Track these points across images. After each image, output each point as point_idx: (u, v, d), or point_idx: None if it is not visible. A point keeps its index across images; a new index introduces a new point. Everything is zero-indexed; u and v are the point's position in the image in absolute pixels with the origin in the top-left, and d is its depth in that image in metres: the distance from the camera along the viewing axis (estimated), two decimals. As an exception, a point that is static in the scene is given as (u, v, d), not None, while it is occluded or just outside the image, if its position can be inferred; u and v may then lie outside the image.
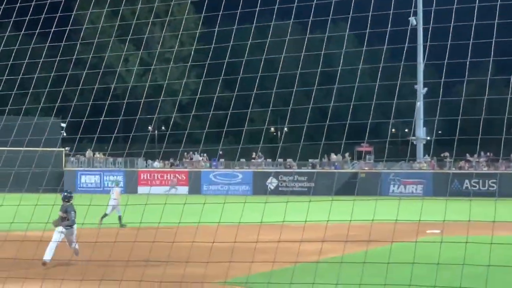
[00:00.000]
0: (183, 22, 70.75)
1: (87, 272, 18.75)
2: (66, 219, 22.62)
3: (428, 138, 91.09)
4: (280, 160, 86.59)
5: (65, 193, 23.95)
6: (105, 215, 37.20)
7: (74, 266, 21.98)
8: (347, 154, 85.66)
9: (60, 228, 22.65)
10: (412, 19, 74.77)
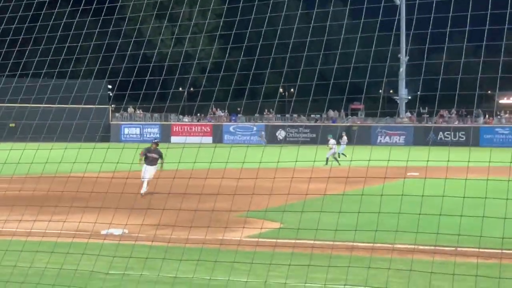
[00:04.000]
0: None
1: (136, 204, 18.94)
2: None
3: (410, 97, 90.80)
4: (288, 115, 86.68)
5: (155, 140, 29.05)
6: (339, 154, 43.24)
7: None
8: (342, 111, 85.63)
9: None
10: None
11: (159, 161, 26.34)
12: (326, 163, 41.81)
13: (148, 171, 26.05)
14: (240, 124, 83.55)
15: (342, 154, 46.30)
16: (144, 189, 25.30)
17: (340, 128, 63.89)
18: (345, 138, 49.26)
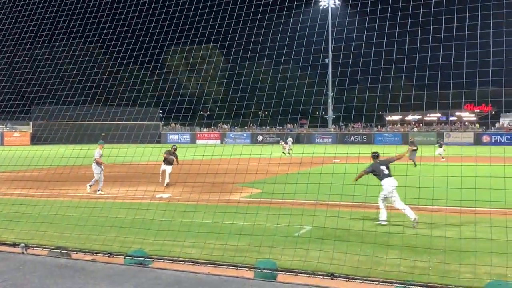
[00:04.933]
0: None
1: (177, 180, 18.65)
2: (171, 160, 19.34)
3: (334, 116, 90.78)
4: (264, 127, 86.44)
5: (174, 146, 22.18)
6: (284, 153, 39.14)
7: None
8: (295, 124, 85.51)
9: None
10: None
11: (174, 162, 19.37)
12: (290, 155, 41.80)
13: (167, 170, 18.94)
14: (236, 133, 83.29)
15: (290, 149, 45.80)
16: (166, 181, 18.56)
17: (293, 134, 63.56)
18: (290, 139, 48.69)
